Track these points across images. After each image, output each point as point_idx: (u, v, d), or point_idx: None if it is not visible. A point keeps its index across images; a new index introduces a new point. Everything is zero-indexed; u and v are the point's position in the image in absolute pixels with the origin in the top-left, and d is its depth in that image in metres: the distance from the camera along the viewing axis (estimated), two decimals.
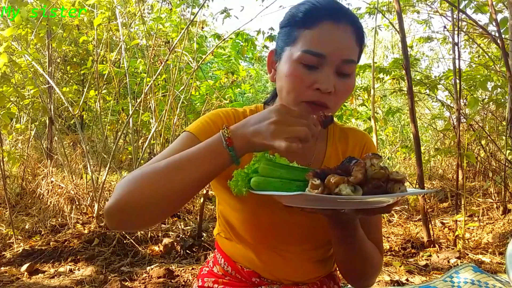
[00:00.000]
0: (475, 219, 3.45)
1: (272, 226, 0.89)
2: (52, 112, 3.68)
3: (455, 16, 3.17)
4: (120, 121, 4.10)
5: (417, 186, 3.03)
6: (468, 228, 3.26)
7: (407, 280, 2.34)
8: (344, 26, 0.79)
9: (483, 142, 4.06)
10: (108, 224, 0.73)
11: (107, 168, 3.09)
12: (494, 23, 2.82)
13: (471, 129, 3.65)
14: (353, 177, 0.64)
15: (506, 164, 3.26)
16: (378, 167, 0.66)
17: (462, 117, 3.31)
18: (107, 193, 3.58)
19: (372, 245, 0.90)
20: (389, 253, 2.90)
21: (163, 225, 3.13)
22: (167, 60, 3.14)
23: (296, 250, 0.93)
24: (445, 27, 3.72)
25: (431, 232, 2.95)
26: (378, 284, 2.27)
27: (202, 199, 3.10)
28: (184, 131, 0.87)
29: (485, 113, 4.41)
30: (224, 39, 3.61)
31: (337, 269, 1.02)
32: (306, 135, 0.67)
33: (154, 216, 0.72)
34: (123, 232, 2.87)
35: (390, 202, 0.68)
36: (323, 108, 0.80)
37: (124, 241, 2.83)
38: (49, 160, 3.69)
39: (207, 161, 0.71)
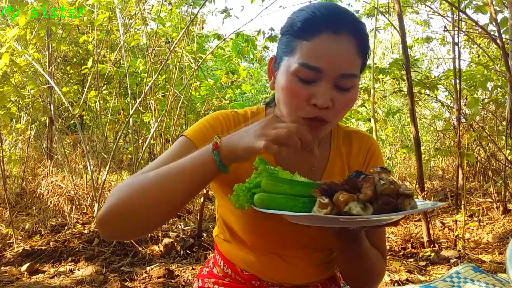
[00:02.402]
0: (475, 219, 3.45)
1: (273, 233, 0.87)
2: (52, 112, 3.68)
3: (455, 16, 3.17)
4: (120, 121, 4.10)
5: (417, 186, 3.03)
6: (468, 228, 3.26)
7: (407, 280, 2.34)
8: (344, 37, 0.74)
9: (483, 142, 4.06)
10: (100, 233, 0.74)
11: (107, 168, 3.09)
12: (494, 23, 2.83)
13: (471, 129, 3.65)
14: (363, 194, 0.62)
15: (506, 164, 3.26)
16: (388, 182, 0.64)
17: (462, 117, 3.31)
18: (107, 193, 3.58)
19: (376, 252, 0.88)
20: (389, 253, 2.90)
21: (163, 225, 3.13)
22: (167, 60, 3.14)
23: (298, 254, 0.91)
24: (445, 27, 3.72)
25: (431, 232, 2.95)
26: None
27: (202, 199, 3.10)
28: (182, 135, 0.86)
29: (485, 113, 4.41)
30: (224, 39, 3.61)
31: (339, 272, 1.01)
32: (287, 137, 0.65)
33: (145, 225, 0.72)
34: None
35: (399, 218, 0.67)
36: (322, 123, 0.77)
37: (124, 241, 2.83)
38: (49, 160, 3.70)
39: (195, 169, 0.70)
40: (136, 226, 0.71)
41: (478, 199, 3.80)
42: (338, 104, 0.76)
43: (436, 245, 2.88)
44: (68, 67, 5.17)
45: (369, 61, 4.05)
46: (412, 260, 2.72)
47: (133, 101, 3.59)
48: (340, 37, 0.73)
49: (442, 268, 2.53)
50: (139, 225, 0.71)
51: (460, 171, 3.06)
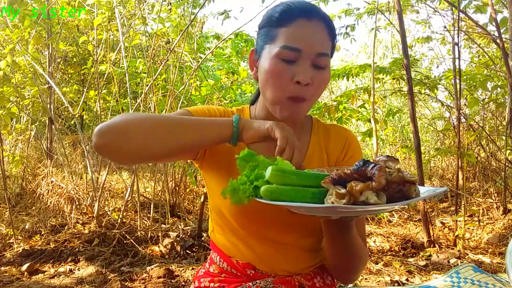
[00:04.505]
0: (475, 219, 3.45)
1: (258, 212, 0.91)
2: (52, 112, 3.68)
3: (455, 16, 3.17)
4: None
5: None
6: (468, 228, 3.26)
7: (407, 280, 2.34)
8: (316, 22, 0.86)
9: (483, 142, 4.06)
10: (95, 140, 0.75)
11: (107, 168, 3.09)
12: (494, 23, 2.82)
13: (471, 129, 3.65)
14: (376, 183, 0.62)
15: (506, 164, 3.26)
16: (396, 170, 0.64)
17: (462, 117, 3.31)
18: (107, 193, 3.58)
19: (360, 239, 0.91)
20: (389, 253, 2.90)
21: (163, 225, 3.13)
22: (167, 60, 3.14)
23: (287, 239, 0.95)
24: (445, 27, 3.72)
25: (431, 232, 2.95)
26: (378, 284, 2.28)
27: (202, 199, 3.10)
28: (184, 108, 0.95)
29: (485, 113, 4.41)
30: (224, 39, 3.60)
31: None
32: (286, 131, 0.79)
33: (143, 147, 0.77)
34: (123, 232, 2.87)
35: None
36: (302, 101, 0.87)
37: (124, 241, 2.83)
38: (49, 160, 3.70)
39: (212, 123, 0.82)
40: (135, 143, 0.76)
41: (478, 199, 3.80)
42: (316, 81, 0.87)
43: (436, 245, 2.88)
44: (68, 67, 5.17)
45: (369, 61, 4.05)
46: (412, 260, 2.72)
47: (133, 101, 3.59)
48: (313, 21, 0.86)
49: (442, 268, 2.53)
50: (130, 145, 0.76)
51: (460, 171, 3.06)
